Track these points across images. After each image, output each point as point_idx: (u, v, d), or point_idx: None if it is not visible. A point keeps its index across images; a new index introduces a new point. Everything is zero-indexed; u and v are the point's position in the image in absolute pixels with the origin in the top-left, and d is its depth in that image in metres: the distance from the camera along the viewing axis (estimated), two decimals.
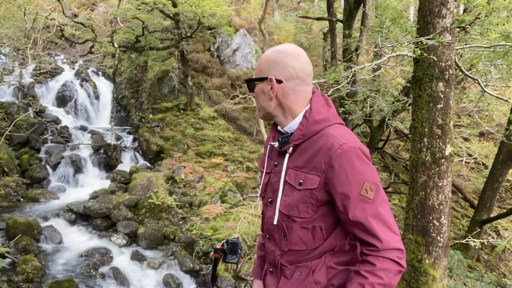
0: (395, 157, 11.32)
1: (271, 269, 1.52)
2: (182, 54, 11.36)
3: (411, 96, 4.10)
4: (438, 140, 3.56)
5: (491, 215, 7.40)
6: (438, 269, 3.60)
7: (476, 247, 6.57)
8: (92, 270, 5.65)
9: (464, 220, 9.36)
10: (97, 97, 12.35)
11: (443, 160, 3.56)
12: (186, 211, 7.80)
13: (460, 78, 7.04)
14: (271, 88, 1.39)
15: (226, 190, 7.97)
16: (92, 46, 11.54)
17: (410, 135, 4.28)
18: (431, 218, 3.58)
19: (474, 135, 10.92)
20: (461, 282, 5.82)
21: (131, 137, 11.17)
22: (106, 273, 5.70)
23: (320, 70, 12.17)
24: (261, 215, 1.60)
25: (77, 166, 9.13)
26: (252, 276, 1.73)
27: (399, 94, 6.84)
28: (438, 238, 3.57)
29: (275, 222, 1.41)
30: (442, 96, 3.54)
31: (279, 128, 1.49)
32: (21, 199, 7.82)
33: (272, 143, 1.48)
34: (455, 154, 9.36)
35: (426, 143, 3.60)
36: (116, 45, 10.57)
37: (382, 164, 10.66)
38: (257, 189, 8.04)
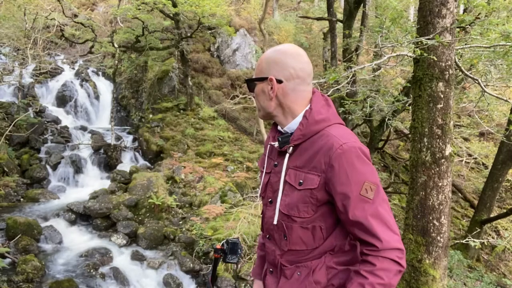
0: (395, 157, 11.32)
1: (271, 269, 1.52)
2: (182, 54, 11.36)
3: (411, 96, 4.10)
4: (438, 140, 3.56)
5: (491, 215, 7.40)
6: (438, 269, 3.60)
7: (476, 247, 6.57)
8: (92, 270, 5.65)
9: (464, 220, 9.36)
10: (97, 97, 12.35)
11: (443, 160, 3.56)
12: (186, 211, 7.80)
13: (460, 78, 7.04)
14: (271, 88, 1.39)
15: (226, 190, 7.97)
16: (92, 46, 11.54)
17: (410, 135, 4.28)
18: (431, 218, 3.58)
19: (474, 135, 10.92)
20: (461, 282, 5.82)
21: (131, 137, 11.17)
22: (106, 273, 5.70)
23: (320, 70, 12.17)
24: (261, 215, 1.60)
25: (77, 166, 9.13)
26: (252, 276, 1.73)
27: (399, 94, 6.84)
28: (438, 238, 3.57)
29: (275, 222, 1.41)
30: (442, 96, 3.54)
31: (279, 128, 1.49)
32: (21, 199, 7.82)
33: (272, 143, 1.48)
34: (455, 154, 9.36)
35: (426, 143, 3.60)
36: (116, 45, 10.57)
37: (382, 164, 10.66)
38: (257, 189, 8.04)
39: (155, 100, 11.79)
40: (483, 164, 11.07)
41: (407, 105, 6.28)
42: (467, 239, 5.57)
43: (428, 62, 3.55)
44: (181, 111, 11.56)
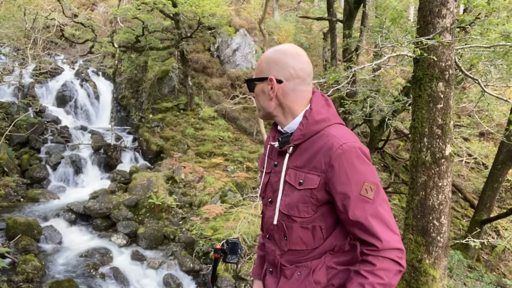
0: (395, 157, 11.32)
1: (271, 269, 1.52)
2: (182, 54, 11.36)
3: (411, 96, 4.10)
4: (438, 140, 3.56)
5: (491, 215, 7.40)
6: (438, 269, 3.60)
7: (476, 247, 6.57)
8: (92, 270, 5.65)
9: (464, 220, 9.36)
10: (97, 97, 12.35)
11: (443, 160, 3.57)
12: (186, 211, 7.80)
13: (460, 78, 7.04)
14: (271, 88, 1.39)
15: (226, 190, 7.97)
16: (92, 46, 11.54)
17: (410, 135, 4.28)
18: (431, 218, 3.58)
19: (474, 135, 10.92)
20: (461, 282, 5.82)
21: (131, 137, 11.16)
22: (106, 273, 5.70)
23: (320, 70, 12.17)
24: (261, 215, 1.60)
25: (77, 166, 9.13)
26: (252, 276, 1.73)
27: (399, 94, 6.84)
28: (438, 238, 3.57)
29: (275, 222, 1.41)
30: (442, 96, 3.54)
31: (279, 128, 1.49)
32: (21, 199, 7.82)
33: (272, 143, 1.48)
34: (455, 154, 9.36)
35: (426, 143, 3.60)
36: (116, 45, 10.57)
37: (382, 164, 10.66)
38: (257, 189, 8.04)
39: (155, 100, 11.79)
40: (483, 164, 11.07)
41: (407, 105, 6.28)
42: (467, 239, 5.57)
43: (428, 62, 3.55)
44: (181, 111, 11.56)
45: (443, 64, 3.52)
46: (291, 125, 1.41)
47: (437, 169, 3.56)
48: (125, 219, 7.10)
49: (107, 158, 9.75)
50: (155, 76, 12.13)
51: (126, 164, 9.93)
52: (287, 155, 1.40)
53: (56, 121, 10.88)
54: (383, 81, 8.46)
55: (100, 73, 13.28)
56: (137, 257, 6.21)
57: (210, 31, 13.10)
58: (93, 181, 9.07)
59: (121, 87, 12.95)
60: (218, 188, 8.09)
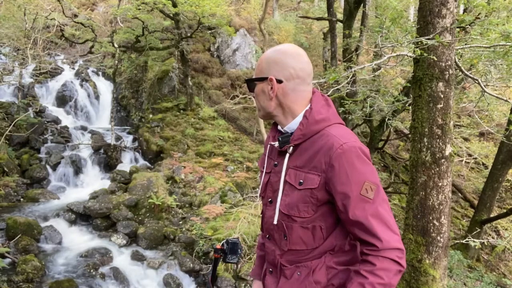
0: (395, 157, 11.32)
1: (270, 269, 1.52)
2: (182, 54, 11.36)
3: (411, 96, 4.10)
4: (438, 140, 3.56)
5: (491, 215, 7.40)
6: (438, 269, 3.60)
7: (476, 247, 6.57)
8: (92, 270, 5.65)
9: (464, 220, 9.36)
10: (97, 97, 12.34)
11: (443, 160, 3.57)
12: (186, 211, 7.80)
13: (460, 78, 7.04)
14: (271, 88, 1.39)
15: (226, 190, 7.97)
16: (92, 46, 11.54)
17: (410, 135, 4.28)
18: (431, 218, 3.58)
19: (474, 135, 10.92)
20: (461, 282, 5.82)
21: (131, 137, 11.16)
22: (106, 273, 5.70)
23: (320, 70, 12.17)
24: (261, 215, 1.60)
25: (77, 166, 9.12)
26: (252, 276, 1.72)
27: (399, 94, 6.84)
28: (438, 238, 3.57)
29: (275, 222, 1.41)
30: (442, 96, 3.54)
31: (279, 128, 1.49)
32: (21, 199, 7.82)
33: (272, 143, 1.48)
34: (455, 154, 9.36)
35: (426, 143, 3.60)
36: (116, 45, 10.57)
37: (382, 164, 10.66)
38: (257, 189, 8.04)
39: (155, 100, 11.79)
40: (483, 164, 11.07)
41: (407, 105, 6.28)
42: (467, 239, 5.57)
43: (428, 62, 3.55)
44: (181, 111, 11.56)
45: (443, 64, 3.52)
46: (291, 125, 1.41)
47: (437, 169, 3.56)
48: (125, 219, 7.10)
49: (107, 158, 9.75)
50: (155, 76, 12.13)
51: (126, 164, 9.93)
52: (287, 155, 1.40)
53: (56, 121, 10.89)
54: (383, 81, 8.46)
55: (100, 73, 13.28)
56: (137, 257, 6.21)
57: (210, 31, 13.10)
58: (93, 181, 9.07)
59: (121, 87, 12.95)
60: (218, 188, 8.10)
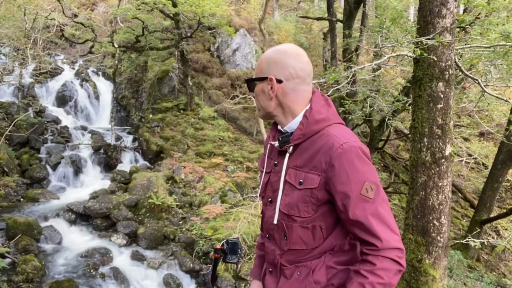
0: (395, 157, 11.32)
1: (270, 269, 1.52)
2: (182, 54, 11.36)
3: (411, 96, 4.10)
4: (438, 140, 3.56)
5: (491, 215, 7.40)
6: (438, 269, 3.60)
7: (476, 247, 6.57)
8: (92, 270, 5.65)
9: (464, 220, 9.36)
10: (97, 97, 12.35)
11: (443, 160, 3.57)
12: (186, 211, 7.80)
13: (460, 78, 7.04)
14: (271, 88, 1.39)
15: (226, 190, 7.97)
16: (92, 46, 11.54)
17: (410, 135, 4.28)
18: (431, 218, 3.58)
19: (474, 135, 10.92)
20: (461, 282, 5.82)
21: (131, 137, 11.17)
22: (106, 273, 5.70)
23: (320, 70, 12.17)
24: (261, 215, 1.60)
25: (77, 166, 9.12)
26: (251, 276, 1.72)
27: (399, 94, 6.84)
28: (438, 238, 3.57)
29: (275, 222, 1.41)
30: (442, 96, 3.54)
31: (279, 127, 1.49)
32: (21, 199, 7.82)
33: (272, 143, 1.48)
34: (455, 154, 9.36)
35: (426, 143, 3.60)
36: (116, 45, 10.57)
37: (382, 164, 10.66)
38: (257, 189, 8.03)
39: (155, 100, 11.79)
40: (483, 164, 11.06)
41: (407, 105, 6.28)
42: (467, 239, 5.57)
43: (428, 62, 3.55)
44: (181, 111, 11.56)
45: (443, 64, 3.52)
46: (291, 124, 1.41)
47: (437, 169, 3.56)
48: (125, 219, 7.10)
49: (107, 158, 9.75)
50: (155, 76, 12.13)
51: (126, 164, 9.93)
52: (287, 155, 1.40)
53: (56, 121, 10.89)
54: (383, 81, 8.46)
55: (100, 73, 13.28)
56: (137, 257, 6.21)
57: (210, 31, 13.10)
58: (93, 181, 9.07)
59: (121, 87, 12.95)
60: (218, 188, 8.09)
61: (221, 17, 11.15)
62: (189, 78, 11.54)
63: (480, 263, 7.29)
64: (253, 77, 1.45)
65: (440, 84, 3.53)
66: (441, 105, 3.54)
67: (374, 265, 1.23)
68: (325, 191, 1.31)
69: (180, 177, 8.75)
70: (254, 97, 1.49)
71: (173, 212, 7.69)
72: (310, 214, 1.34)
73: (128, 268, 5.97)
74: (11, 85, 10.94)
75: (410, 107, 4.12)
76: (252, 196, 7.78)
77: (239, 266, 5.86)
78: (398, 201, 9.31)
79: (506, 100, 4.98)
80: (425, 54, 3.44)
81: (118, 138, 10.53)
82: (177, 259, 6.23)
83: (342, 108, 6.89)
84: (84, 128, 11.01)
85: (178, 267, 6.10)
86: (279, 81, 1.38)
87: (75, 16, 14.31)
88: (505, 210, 8.22)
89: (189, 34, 11.48)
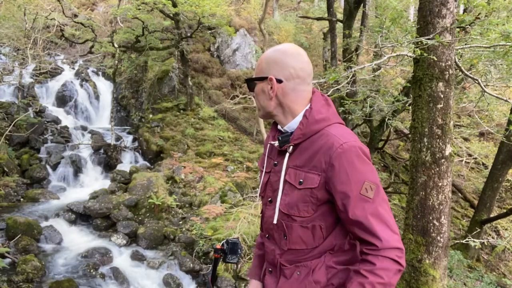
0: (395, 157, 11.32)
1: (270, 269, 1.52)
2: (182, 54, 11.36)
3: (411, 96, 4.10)
4: (438, 140, 3.56)
5: (491, 215, 7.40)
6: (438, 269, 3.60)
7: (476, 247, 6.57)
8: (92, 270, 5.65)
9: (464, 220, 9.36)
10: (97, 97, 12.35)
11: (443, 160, 3.56)
12: (186, 211, 7.80)
13: (460, 78, 7.04)
14: (271, 87, 1.39)
15: (226, 190, 7.97)
16: (92, 46, 11.54)
17: (410, 135, 4.28)
18: (431, 218, 3.58)
19: (474, 135, 10.92)
20: (461, 282, 5.82)
21: (131, 137, 11.17)
22: (106, 273, 5.70)
23: (320, 70, 12.17)
24: (261, 215, 1.60)
25: (77, 166, 9.13)
26: (249, 276, 1.71)
27: (399, 94, 6.84)
28: (438, 238, 3.57)
29: (275, 222, 1.41)
30: (442, 96, 3.54)
31: (279, 127, 1.49)
32: (21, 199, 7.82)
33: (272, 142, 1.48)
34: (455, 154, 9.36)
35: (426, 143, 3.60)
36: (116, 45, 10.57)
37: (382, 164, 10.66)
38: (257, 189, 8.02)
39: (155, 100, 11.79)
40: (483, 164, 11.06)
41: (407, 105, 6.28)
42: (467, 239, 5.57)
43: (428, 62, 3.55)
44: (181, 111, 11.56)
45: (443, 64, 3.52)
46: (291, 124, 1.41)
47: (437, 169, 3.56)
48: (125, 219, 7.10)
49: (107, 158, 9.75)
50: (155, 76, 12.13)
51: (126, 164, 9.93)
52: (287, 155, 1.40)
53: (56, 121, 10.89)
54: (383, 81, 8.46)
55: (100, 73, 13.28)
56: (137, 257, 6.21)
57: (210, 31, 13.10)
58: (93, 181, 9.08)
59: (121, 87, 12.95)
60: (218, 188, 8.09)
61: (221, 17, 11.15)
62: (189, 78, 11.54)
63: (480, 263, 7.29)
64: (253, 76, 1.45)
65: (440, 84, 3.53)
66: (441, 105, 3.54)
67: (374, 264, 1.23)
68: (325, 190, 1.31)
69: (180, 177, 8.75)
70: (254, 97, 1.49)
71: (173, 212, 7.69)
72: (310, 214, 1.34)
73: (128, 268, 5.97)
74: (11, 85, 10.94)
75: (410, 107, 4.12)
76: (252, 196, 7.78)
77: (239, 266, 5.86)
78: (398, 201, 9.31)
79: (506, 100, 4.98)
80: (425, 54, 3.44)
81: (118, 138, 10.53)
82: (177, 259, 6.23)
83: (342, 108, 6.89)
84: (84, 128, 11.01)
85: (178, 267, 6.10)
86: (279, 81, 1.38)
87: (75, 16, 14.31)
88: (505, 210, 8.22)
89: (189, 34, 11.48)
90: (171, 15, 10.73)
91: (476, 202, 8.82)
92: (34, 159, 8.91)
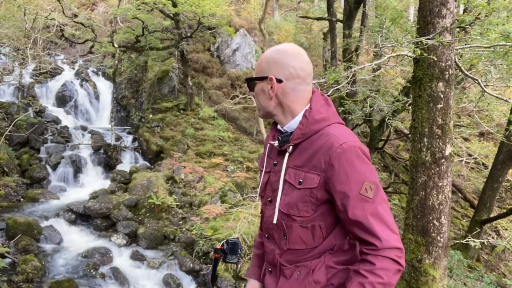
0: (395, 157, 11.32)
1: (270, 269, 1.52)
2: (182, 54, 11.36)
3: (411, 96, 4.10)
4: (438, 140, 3.56)
5: (491, 215, 7.40)
6: (438, 269, 3.60)
7: (476, 247, 6.57)
8: (92, 270, 5.65)
9: (464, 220, 9.36)
10: (97, 97, 12.35)
11: (443, 160, 3.56)
12: (186, 211, 7.80)
13: (460, 78, 7.04)
14: (271, 87, 1.39)
15: (226, 190, 7.97)
16: (92, 46, 11.55)
17: (410, 135, 4.28)
18: (431, 218, 3.58)
19: (474, 135, 10.92)
20: (461, 282, 5.82)
21: (131, 137, 11.17)
22: (106, 273, 5.70)
23: (320, 70, 12.17)
24: (260, 215, 1.60)
25: (77, 166, 9.13)
26: (247, 276, 1.71)
27: (399, 94, 6.84)
28: (438, 238, 3.57)
29: (274, 221, 1.41)
30: (442, 96, 3.54)
31: (279, 127, 1.49)
32: (21, 199, 7.82)
33: (272, 142, 1.48)
34: (455, 154, 9.36)
35: (426, 143, 3.60)
36: (116, 45, 10.57)
37: (382, 164, 10.66)
38: (257, 189, 8.02)
39: (155, 100, 11.79)
40: (483, 164, 11.06)
41: (407, 105, 6.28)
42: (467, 239, 5.57)
43: (428, 62, 3.55)
44: (181, 111, 11.56)
45: (443, 64, 3.52)
46: (291, 124, 1.41)
47: (437, 169, 3.56)
48: (125, 219, 7.10)
49: (107, 158, 9.75)
50: (155, 76, 12.13)
51: (126, 164, 9.93)
52: (287, 154, 1.40)
53: (56, 121, 10.89)
54: (383, 81, 8.47)
55: (100, 73, 13.28)
56: (137, 257, 6.21)
57: (210, 31, 13.10)
58: (93, 181, 9.08)
59: (121, 87, 12.95)
60: (218, 188, 8.09)
61: (221, 17, 11.15)
62: (189, 78, 11.54)
63: (480, 263, 7.29)
64: (253, 76, 1.45)
65: (440, 84, 3.53)
66: (441, 105, 3.54)
67: (373, 264, 1.23)
68: (325, 190, 1.31)
69: (180, 177, 8.75)
70: (254, 97, 1.49)
71: (173, 212, 7.69)
72: (310, 214, 1.34)
73: (128, 268, 5.97)
74: (11, 85, 10.94)
75: (410, 107, 4.12)
76: (252, 196, 7.78)
77: (239, 266, 5.86)
78: (398, 201, 9.31)
79: (506, 100, 4.98)
80: (425, 54, 3.44)
81: (118, 138, 10.53)
82: (177, 259, 6.23)
83: (342, 108, 6.89)
84: (84, 128, 11.01)
85: (178, 267, 6.10)
86: (279, 81, 1.38)
87: (75, 16, 14.31)
88: (505, 210, 8.22)
89: (189, 34, 11.48)
90: (171, 15, 10.73)
91: (476, 202, 8.82)
92: (34, 159, 8.91)
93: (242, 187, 8.32)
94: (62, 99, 11.82)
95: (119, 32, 11.36)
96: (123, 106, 12.95)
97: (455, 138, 10.05)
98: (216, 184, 8.23)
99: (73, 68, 13.23)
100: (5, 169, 8.20)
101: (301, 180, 1.34)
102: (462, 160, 10.98)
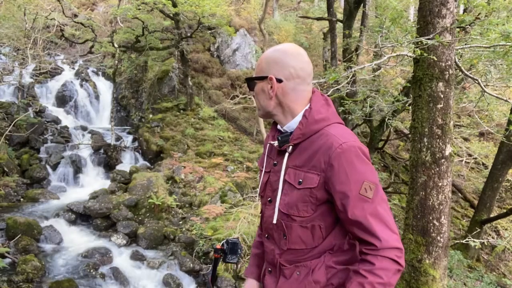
0: (395, 157, 11.32)
1: (270, 269, 1.52)
2: (182, 54, 11.36)
3: (411, 96, 4.10)
4: (438, 140, 3.56)
5: (491, 215, 7.40)
6: (438, 269, 3.60)
7: (476, 247, 6.57)
8: (92, 270, 5.65)
9: (464, 220, 9.36)
10: (97, 97, 12.35)
11: (443, 160, 3.56)
12: (186, 211, 7.80)
13: (460, 78, 7.04)
14: (271, 87, 1.39)
15: (226, 190, 7.97)
16: (92, 46, 11.55)
17: (410, 135, 4.28)
18: (431, 218, 3.58)
19: (474, 135, 10.92)
20: (461, 282, 5.82)
21: (131, 137, 11.17)
22: (106, 273, 5.70)
23: (320, 70, 12.17)
24: (260, 214, 1.60)
25: (77, 166, 9.12)
26: (246, 275, 1.71)
27: (399, 94, 6.84)
28: (438, 238, 3.57)
29: (274, 221, 1.41)
30: (442, 96, 3.54)
31: (278, 127, 1.49)
32: (21, 199, 7.82)
33: (272, 142, 1.48)
34: (455, 154, 9.36)
35: (426, 143, 3.60)
36: (116, 45, 10.57)
37: (382, 164, 10.65)
38: (257, 189, 8.02)
39: (155, 100, 11.79)
40: (483, 164, 11.06)
41: (407, 105, 6.28)
42: (467, 239, 5.57)
43: (428, 62, 3.55)
44: (181, 111, 11.56)
45: (443, 64, 3.52)
46: (291, 124, 1.41)
47: (437, 169, 3.56)
48: (125, 219, 7.10)
49: (107, 158, 9.75)
50: (155, 76, 12.13)
51: (126, 164, 9.93)
52: (287, 154, 1.40)
53: (56, 121, 10.89)
54: (383, 81, 8.47)
55: (100, 73, 13.28)
56: (137, 257, 6.21)
57: (210, 31, 13.10)
58: (93, 181, 9.08)
59: (121, 87, 12.95)
60: (218, 188, 8.09)
61: (221, 17, 11.15)
62: (189, 78, 11.54)
63: (480, 263, 7.29)
64: (253, 76, 1.45)
65: (440, 84, 3.53)
66: (441, 105, 3.54)
67: (373, 264, 1.23)
68: (324, 190, 1.31)
69: (180, 177, 8.75)
70: (254, 97, 1.49)
71: (173, 212, 7.69)
72: (309, 214, 1.34)
73: (128, 268, 5.97)
74: (11, 85, 10.94)
75: (410, 107, 4.12)
76: (252, 196, 7.78)
77: (239, 266, 5.86)
78: (398, 201, 9.31)
79: (506, 100, 4.98)
80: (425, 54, 3.44)
81: (118, 138, 10.53)
82: (177, 259, 6.23)
83: (342, 108, 6.89)
84: (84, 128, 11.01)
85: (178, 267, 6.10)
86: (279, 81, 1.38)
87: (75, 16, 14.31)
88: (505, 210, 8.22)
89: (189, 34, 11.48)
90: (171, 15, 10.73)
91: (476, 202, 8.82)
92: (34, 159, 8.91)
93: (242, 187, 8.32)
94: (62, 99, 11.82)
95: (119, 32, 11.36)
96: (123, 106, 12.95)
97: (455, 138, 10.05)
98: (216, 184, 8.23)
99: (73, 68, 13.23)
100: (5, 169, 8.20)
101: (300, 180, 1.34)
102: (462, 160, 10.98)
